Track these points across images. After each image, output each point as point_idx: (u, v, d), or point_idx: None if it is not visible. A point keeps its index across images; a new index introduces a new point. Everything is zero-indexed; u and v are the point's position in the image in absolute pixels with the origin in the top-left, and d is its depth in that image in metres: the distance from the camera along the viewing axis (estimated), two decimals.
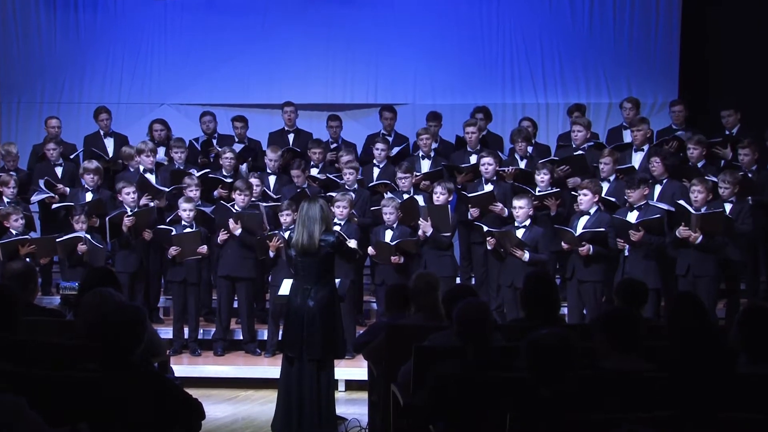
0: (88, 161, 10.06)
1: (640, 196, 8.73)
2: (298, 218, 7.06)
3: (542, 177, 9.38)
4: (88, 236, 9.18)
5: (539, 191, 9.37)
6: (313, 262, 6.99)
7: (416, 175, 9.90)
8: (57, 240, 9.23)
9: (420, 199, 9.60)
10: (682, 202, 8.70)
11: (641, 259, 8.61)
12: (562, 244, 8.83)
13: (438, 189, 9.29)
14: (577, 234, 8.68)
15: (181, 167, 10.29)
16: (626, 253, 8.69)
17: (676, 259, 8.73)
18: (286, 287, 7.40)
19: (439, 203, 9.24)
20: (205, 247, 9.25)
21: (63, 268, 9.53)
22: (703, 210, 8.53)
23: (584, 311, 8.75)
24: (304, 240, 6.95)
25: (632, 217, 8.71)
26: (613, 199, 9.16)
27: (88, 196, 9.81)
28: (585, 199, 8.77)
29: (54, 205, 9.99)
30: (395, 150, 10.71)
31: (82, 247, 9.14)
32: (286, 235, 8.49)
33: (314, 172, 10.32)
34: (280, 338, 8.27)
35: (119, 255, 9.46)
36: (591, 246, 8.61)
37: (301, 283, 7.04)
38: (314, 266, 7.00)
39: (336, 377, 7.42)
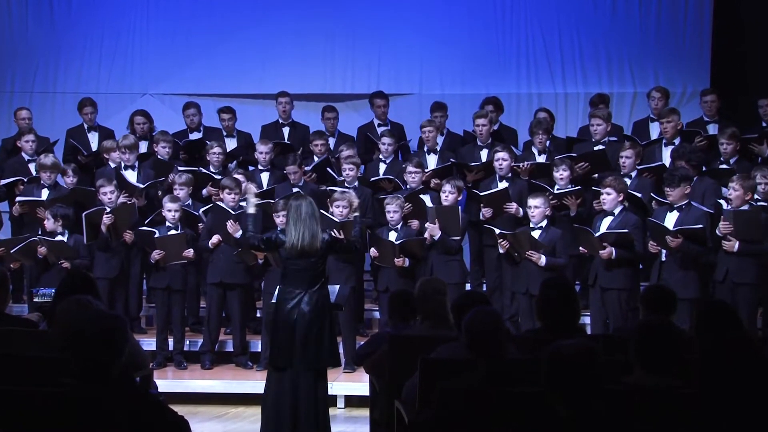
0: (45, 156, 10.04)
1: (680, 195, 8.50)
2: (292, 218, 7.03)
3: (561, 174, 9.31)
4: (45, 236, 9.12)
5: (558, 189, 9.33)
6: (310, 265, 7.01)
7: (424, 172, 9.89)
8: (11, 251, 9.16)
9: (427, 199, 9.59)
10: (722, 201, 8.62)
11: (679, 266, 8.43)
12: (580, 248, 8.78)
13: (446, 188, 9.24)
14: (598, 235, 8.60)
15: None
16: (663, 258, 8.54)
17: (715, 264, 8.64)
18: None
19: (447, 203, 9.22)
20: (191, 250, 9.23)
21: (32, 273, 9.49)
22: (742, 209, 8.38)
23: (608, 321, 8.69)
24: (305, 240, 6.95)
25: (671, 218, 8.51)
26: (639, 195, 9.08)
27: (44, 193, 9.79)
28: (609, 198, 8.64)
29: (18, 198, 9.88)
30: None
31: (41, 250, 9.10)
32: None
33: None
34: None
35: (98, 259, 9.43)
36: (614, 249, 8.54)
37: (292, 287, 7.03)
38: (311, 269, 7.02)
39: (335, 392, 7.42)
